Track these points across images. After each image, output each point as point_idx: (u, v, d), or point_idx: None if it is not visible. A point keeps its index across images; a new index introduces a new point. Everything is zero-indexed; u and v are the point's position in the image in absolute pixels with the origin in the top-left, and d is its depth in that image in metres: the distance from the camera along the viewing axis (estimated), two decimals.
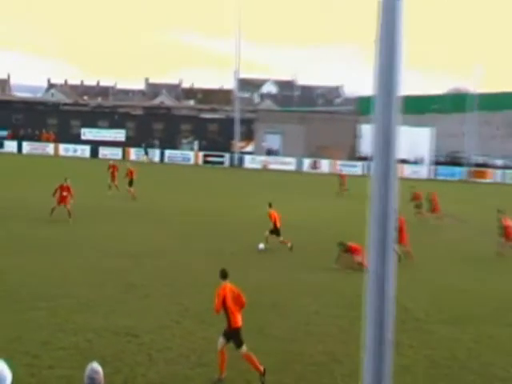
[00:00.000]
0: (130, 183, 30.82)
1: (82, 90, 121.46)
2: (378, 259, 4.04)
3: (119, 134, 62.88)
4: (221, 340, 9.90)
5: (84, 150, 58.79)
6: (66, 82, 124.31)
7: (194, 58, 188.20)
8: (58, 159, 54.14)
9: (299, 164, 56.51)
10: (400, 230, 18.04)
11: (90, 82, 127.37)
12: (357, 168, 54.42)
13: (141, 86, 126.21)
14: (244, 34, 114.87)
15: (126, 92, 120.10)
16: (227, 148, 58.91)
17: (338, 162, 55.54)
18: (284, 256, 19.38)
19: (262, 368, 9.74)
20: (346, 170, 53.84)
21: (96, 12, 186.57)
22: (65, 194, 23.16)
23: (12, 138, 61.08)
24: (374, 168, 4.28)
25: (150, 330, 11.77)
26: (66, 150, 58.99)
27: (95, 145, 59.27)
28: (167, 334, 11.69)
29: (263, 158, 58.27)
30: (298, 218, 26.87)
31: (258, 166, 56.66)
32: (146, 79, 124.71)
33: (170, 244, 20.12)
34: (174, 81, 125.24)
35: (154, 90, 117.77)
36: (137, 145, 59.33)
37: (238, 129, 58.55)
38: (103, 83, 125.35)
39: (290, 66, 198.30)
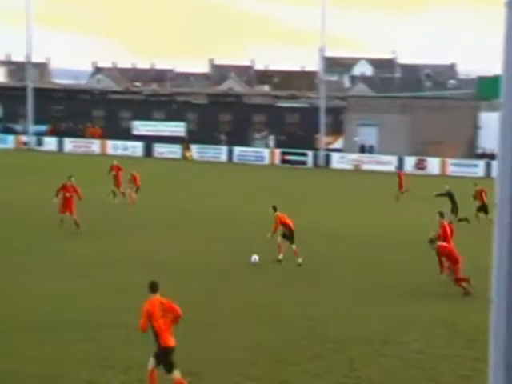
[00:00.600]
0: (136, 190, 31.31)
1: (134, 74, 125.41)
2: (507, 288, 3.92)
3: (178, 128, 64.35)
4: (151, 360, 10.49)
5: (136, 148, 60.49)
6: (114, 65, 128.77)
7: (270, 34, 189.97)
8: (105, 158, 55.99)
9: (400, 163, 55.66)
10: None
11: (144, 64, 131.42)
12: (477, 168, 52.97)
13: (204, 68, 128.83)
14: (330, 1, 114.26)
15: (186, 76, 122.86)
16: (310, 144, 58.93)
17: (451, 161, 54.27)
18: (372, 276, 19.15)
19: None
20: (463, 171, 52.56)
21: None
22: (68, 195, 23.83)
23: (52, 133, 63.79)
24: (501, 168, 4.16)
25: (217, 370, 11.94)
26: (114, 147, 60.88)
27: (149, 141, 60.87)
28: (238, 374, 11.82)
29: (355, 156, 57.86)
30: (398, 230, 26.47)
31: (348, 166, 56.33)
32: (211, 60, 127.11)
33: (233, 263, 20.33)
34: (244, 62, 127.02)
35: (220, 73, 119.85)
36: (200, 140, 60.46)
37: (323, 120, 58.44)
38: (159, 66, 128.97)
39: (388, 41, 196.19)
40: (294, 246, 20.50)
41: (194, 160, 58.05)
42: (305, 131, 61.22)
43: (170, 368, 10.41)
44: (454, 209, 27.90)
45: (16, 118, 64.96)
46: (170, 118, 64.70)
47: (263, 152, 59.90)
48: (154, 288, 10.77)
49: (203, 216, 28.56)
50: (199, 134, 61.84)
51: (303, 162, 57.66)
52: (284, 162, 57.83)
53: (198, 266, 19.90)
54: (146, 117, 64.91)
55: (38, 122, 63.19)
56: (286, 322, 14.87)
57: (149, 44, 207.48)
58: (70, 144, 61.79)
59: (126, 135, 62.77)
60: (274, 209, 21.16)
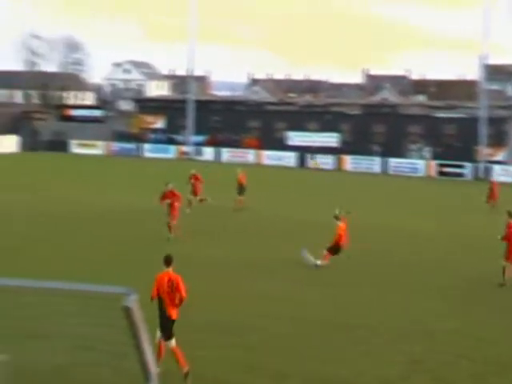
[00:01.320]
0: (241, 191, 31.77)
1: (289, 85, 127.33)
2: None
3: (331, 139, 64.40)
4: (158, 332, 11.23)
5: (290, 158, 61.34)
6: (269, 76, 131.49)
7: (425, 42, 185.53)
8: (259, 168, 57.26)
9: None
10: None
11: (298, 75, 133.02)
12: None
13: (357, 79, 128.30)
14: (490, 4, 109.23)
15: (339, 87, 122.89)
16: (469, 156, 56.79)
17: None
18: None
19: (186, 369, 11.14)
20: None
21: None
22: (169, 201, 24.28)
23: (211, 143, 66.11)
24: None
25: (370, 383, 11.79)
26: (269, 157, 62.15)
27: (302, 151, 61.46)
28: None
29: None
30: None
31: (511, 179, 53.59)
32: (364, 70, 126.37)
33: (390, 275, 19.98)
34: (398, 71, 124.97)
35: (374, 83, 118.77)
36: (353, 151, 60.20)
37: (484, 131, 56.10)
38: (313, 77, 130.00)
39: None
40: (325, 252, 20.45)
41: (320, 168, 58.37)
42: (463, 142, 59.04)
43: (169, 336, 11.25)
44: None
45: (177, 128, 68.04)
46: (324, 128, 64.85)
47: (418, 163, 58.55)
48: (167, 262, 11.57)
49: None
50: (353, 145, 61.54)
51: (460, 175, 55.68)
52: (441, 173, 56.15)
53: (335, 275, 19.82)
54: (300, 127, 65.52)
55: (197, 132, 65.85)
56: (439, 339, 14.39)
57: (304, 55, 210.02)
58: (226, 154, 63.74)
59: (281, 145, 63.74)
60: (337, 217, 20.72)
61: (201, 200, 31.04)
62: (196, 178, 31.35)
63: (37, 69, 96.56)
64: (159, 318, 11.39)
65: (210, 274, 19.41)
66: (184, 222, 25.30)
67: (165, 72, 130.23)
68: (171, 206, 24.33)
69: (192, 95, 66.96)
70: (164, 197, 24.61)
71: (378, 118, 64.66)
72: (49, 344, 12.37)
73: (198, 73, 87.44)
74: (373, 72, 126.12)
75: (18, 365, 10.45)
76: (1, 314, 11.60)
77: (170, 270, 11.56)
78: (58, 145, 65.60)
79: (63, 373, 11.62)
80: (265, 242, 24.64)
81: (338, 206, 22.39)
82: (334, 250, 20.66)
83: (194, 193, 30.92)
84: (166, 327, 11.36)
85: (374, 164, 59.06)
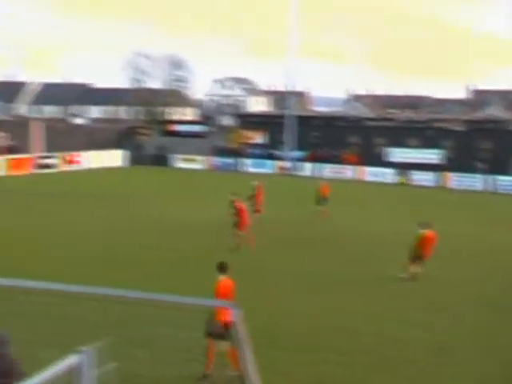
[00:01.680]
0: (321, 201, 33.31)
1: (388, 101, 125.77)
2: None
3: (432, 155, 62.96)
4: (208, 341, 11.34)
5: (389, 174, 60.45)
6: (369, 92, 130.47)
7: None
8: (358, 184, 56.72)
9: None
10: None
11: (398, 91, 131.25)
12: None
13: (461, 94, 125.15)
14: None
15: (441, 102, 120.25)
16: None
17: None
18: None
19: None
20: None
21: (403, 7, 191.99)
22: (234, 212, 25.01)
23: (311, 159, 66.11)
24: None
25: None
26: (368, 173, 61.56)
27: (402, 168, 60.40)
28: None
29: None
30: None
31: None
32: (468, 85, 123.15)
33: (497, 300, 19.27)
34: (504, 86, 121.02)
35: (478, 98, 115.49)
36: (457, 168, 58.63)
37: None
38: (414, 92, 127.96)
39: None
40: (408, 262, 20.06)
41: (409, 184, 57.19)
42: None
43: (223, 338, 11.01)
44: None
45: (278, 144, 68.46)
46: (425, 144, 63.49)
47: None
48: (222, 268, 11.59)
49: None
50: (456, 162, 59.88)
51: None
52: None
53: (433, 292, 19.25)
54: (400, 143, 64.44)
55: (298, 147, 66.01)
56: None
57: (405, 70, 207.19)
58: (326, 169, 63.51)
59: (380, 162, 62.91)
60: (425, 227, 20.22)
61: (258, 210, 30.81)
62: (259, 189, 31.86)
63: (142, 86, 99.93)
64: (215, 326, 11.22)
65: (286, 285, 19.39)
66: (265, 232, 25.70)
67: (265, 88, 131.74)
68: (239, 216, 24.79)
69: (291, 111, 67.22)
70: (235, 208, 25.20)
71: (483, 134, 62.61)
72: (153, 355, 12.67)
73: (297, 88, 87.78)
74: (477, 87, 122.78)
75: (124, 373, 10.73)
76: (111, 324, 11.99)
77: (225, 276, 11.71)
78: (161, 159, 67.47)
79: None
80: (352, 257, 24.55)
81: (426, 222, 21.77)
82: (415, 258, 20.27)
83: (257, 203, 31.23)
84: (226, 332, 11.19)
85: (477, 182, 57.24)
